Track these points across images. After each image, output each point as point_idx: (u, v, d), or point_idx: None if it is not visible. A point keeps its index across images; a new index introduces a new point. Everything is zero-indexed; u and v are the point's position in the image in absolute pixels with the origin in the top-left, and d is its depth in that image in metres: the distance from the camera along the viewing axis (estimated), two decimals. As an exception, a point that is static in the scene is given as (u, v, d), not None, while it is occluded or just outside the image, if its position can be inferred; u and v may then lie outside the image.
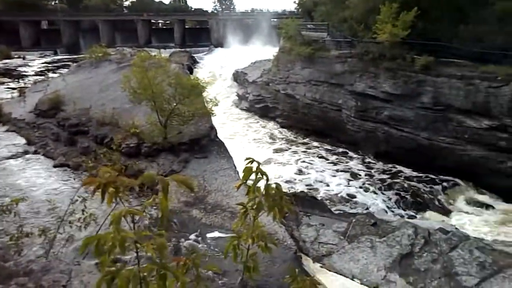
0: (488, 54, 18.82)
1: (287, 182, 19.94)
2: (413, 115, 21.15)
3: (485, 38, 19.34)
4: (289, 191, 17.71)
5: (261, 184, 2.51)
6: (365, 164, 22.70)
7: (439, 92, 19.92)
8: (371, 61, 22.42)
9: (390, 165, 22.14)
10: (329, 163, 23.00)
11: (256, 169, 2.47)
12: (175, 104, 16.53)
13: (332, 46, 26.23)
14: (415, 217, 17.13)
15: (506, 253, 11.63)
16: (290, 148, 25.40)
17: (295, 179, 20.70)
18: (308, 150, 24.95)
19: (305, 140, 26.66)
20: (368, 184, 20.24)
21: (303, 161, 23.21)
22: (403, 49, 21.17)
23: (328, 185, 20.20)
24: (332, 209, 16.68)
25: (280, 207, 2.50)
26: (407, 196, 18.79)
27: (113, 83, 22.34)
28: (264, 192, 2.45)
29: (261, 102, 31.54)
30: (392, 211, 17.73)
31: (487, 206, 18.21)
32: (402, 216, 16.80)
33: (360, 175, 21.36)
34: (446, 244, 12.27)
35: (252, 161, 2.50)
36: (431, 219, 16.43)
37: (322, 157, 23.86)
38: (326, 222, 14.48)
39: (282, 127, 29.07)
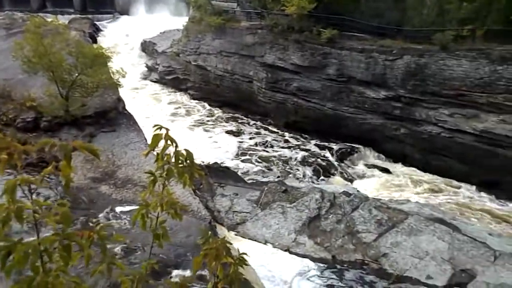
0: (385, 28, 20.22)
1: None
2: (320, 87, 22.13)
3: (383, 13, 20.68)
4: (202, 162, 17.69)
5: (171, 151, 2.45)
6: (276, 134, 23.43)
7: (342, 64, 21.02)
8: (281, 33, 22.82)
9: (298, 134, 23.11)
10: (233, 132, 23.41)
11: (165, 136, 2.40)
12: (77, 74, 15.47)
13: (242, 17, 26.16)
14: (322, 182, 18.20)
15: (399, 210, 12.97)
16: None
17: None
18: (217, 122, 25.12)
19: (216, 112, 26.69)
20: (279, 152, 20.97)
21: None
22: (310, 22, 21.80)
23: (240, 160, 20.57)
24: (246, 179, 17.07)
25: (190, 173, 2.47)
26: (314, 163, 19.84)
27: (3, 51, 20.14)
28: (173, 159, 2.40)
29: (172, 74, 30.62)
30: (301, 178, 18.62)
31: (384, 170, 20.02)
32: (310, 182, 17.79)
33: (273, 144, 22.02)
34: (349, 205, 13.32)
35: (161, 127, 2.42)
36: (336, 184, 17.62)
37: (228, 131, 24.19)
38: (240, 192, 14.86)
39: (194, 99, 28.64)
